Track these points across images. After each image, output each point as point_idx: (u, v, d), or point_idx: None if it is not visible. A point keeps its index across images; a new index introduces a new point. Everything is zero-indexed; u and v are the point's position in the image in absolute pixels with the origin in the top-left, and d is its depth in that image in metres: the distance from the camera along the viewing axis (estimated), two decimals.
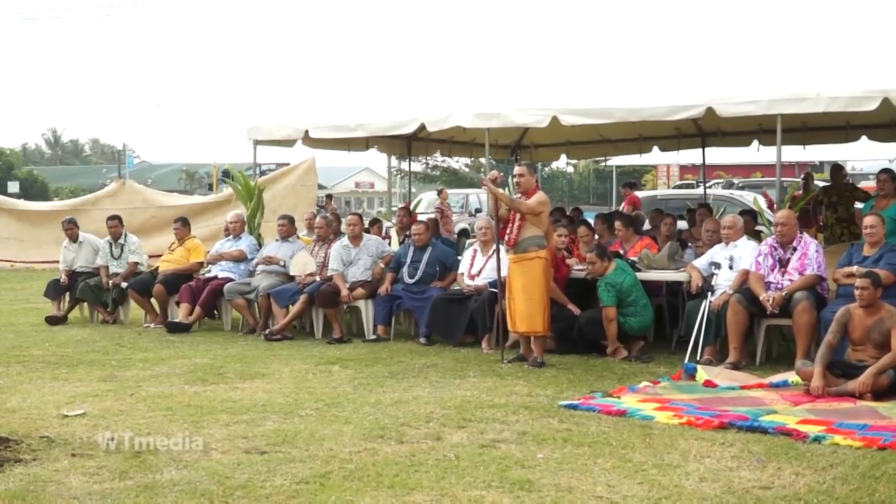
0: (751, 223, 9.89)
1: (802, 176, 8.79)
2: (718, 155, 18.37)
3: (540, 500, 4.43)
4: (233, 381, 7.34)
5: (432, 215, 14.74)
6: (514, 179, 8.04)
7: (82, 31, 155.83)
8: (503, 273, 8.17)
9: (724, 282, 8.13)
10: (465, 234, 21.47)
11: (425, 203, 23.65)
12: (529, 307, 7.90)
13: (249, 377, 7.53)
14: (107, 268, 11.32)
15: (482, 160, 12.87)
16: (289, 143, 11.55)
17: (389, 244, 11.42)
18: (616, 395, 6.64)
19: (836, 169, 12.25)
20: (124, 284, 11.02)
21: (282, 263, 10.32)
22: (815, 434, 5.42)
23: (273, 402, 6.55)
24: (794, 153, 15.48)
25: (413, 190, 22.92)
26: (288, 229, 10.66)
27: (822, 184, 15.70)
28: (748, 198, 16.70)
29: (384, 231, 13.40)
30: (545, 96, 9.75)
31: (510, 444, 5.35)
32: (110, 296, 11.09)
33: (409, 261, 9.67)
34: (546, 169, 47.66)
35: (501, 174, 8.71)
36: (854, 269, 7.38)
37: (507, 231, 7.97)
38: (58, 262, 12.37)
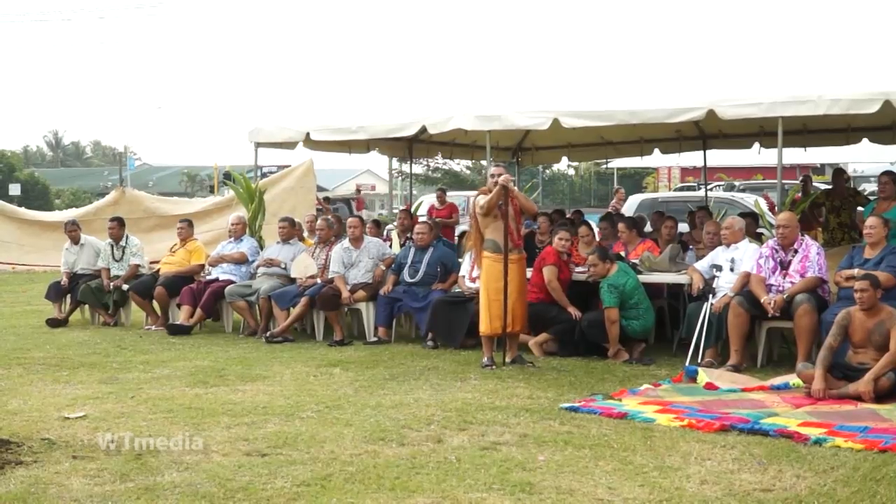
0: (752, 225, 9.89)
1: (801, 178, 8.74)
2: (719, 157, 18.36)
3: (541, 502, 4.43)
4: (234, 384, 7.35)
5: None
6: (493, 179, 8.01)
7: (83, 33, 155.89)
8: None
9: (726, 284, 8.14)
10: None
11: (425, 206, 23.63)
12: (523, 306, 8.13)
13: (250, 379, 7.53)
14: (108, 270, 11.33)
15: (483, 162, 12.86)
16: (290, 145, 11.56)
17: (390, 246, 11.42)
18: (617, 398, 6.64)
19: (838, 173, 12.24)
20: (125, 286, 11.03)
21: (283, 266, 10.33)
22: (816, 436, 5.42)
23: (274, 404, 6.55)
24: (796, 155, 15.46)
25: (414, 192, 22.89)
26: (289, 231, 10.67)
27: (822, 186, 15.71)
28: (749, 200, 16.68)
29: (385, 233, 13.40)
30: (546, 99, 9.76)
31: (511, 447, 5.35)
32: (111, 298, 11.10)
33: (409, 262, 9.68)
34: (547, 171, 47.66)
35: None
36: (854, 271, 7.38)
37: (512, 231, 7.99)
38: (58, 266, 12.38)
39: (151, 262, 12.47)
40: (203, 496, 4.51)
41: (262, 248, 10.99)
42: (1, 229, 20.45)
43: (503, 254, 7.93)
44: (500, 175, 7.97)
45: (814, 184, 14.15)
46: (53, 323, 11.03)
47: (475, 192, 8.63)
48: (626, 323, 8.23)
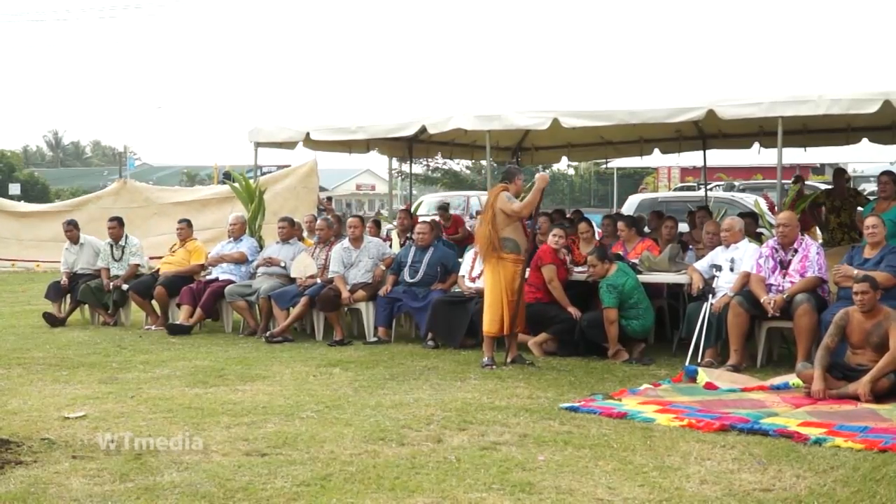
0: (752, 225, 9.89)
1: (793, 178, 8.69)
2: (719, 157, 18.36)
3: (540, 502, 4.43)
4: (233, 384, 7.34)
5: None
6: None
7: (83, 32, 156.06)
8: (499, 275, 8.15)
9: (725, 284, 8.14)
10: None
11: (426, 206, 23.65)
12: (524, 305, 8.22)
13: (250, 379, 7.53)
14: (108, 270, 11.33)
15: (483, 162, 12.85)
16: (290, 145, 11.56)
17: (390, 246, 11.41)
18: (617, 398, 6.64)
19: (839, 173, 12.23)
20: (125, 286, 11.03)
21: (282, 265, 10.33)
22: (815, 436, 5.42)
23: (274, 404, 6.55)
24: (795, 155, 15.46)
25: (414, 192, 22.89)
26: (288, 231, 10.66)
27: (821, 186, 15.69)
28: (749, 200, 16.68)
29: (385, 233, 13.40)
30: (546, 98, 9.76)
31: (511, 447, 5.35)
32: (111, 298, 11.09)
33: (409, 261, 9.68)
34: (547, 171, 47.62)
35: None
36: (853, 271, 7.36)
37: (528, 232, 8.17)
38: (58, 261, 12.39)
39: (152, 258, 12.43)
40: (203, 496, 4.51)
41: (262, 247, 10.98)
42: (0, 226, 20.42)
43: (522, 255, 7.97)
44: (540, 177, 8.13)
45: (807, 183, 14.11)
46: (50, 318, 11.03)
47: (480, 192, 8.64)
48: (625, 323, 8.23)
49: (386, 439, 5.53)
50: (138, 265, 11.43)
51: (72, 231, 11.82)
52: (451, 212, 24.08)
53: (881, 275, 7.12)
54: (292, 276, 10.17)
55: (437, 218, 13.37)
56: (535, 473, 4.83)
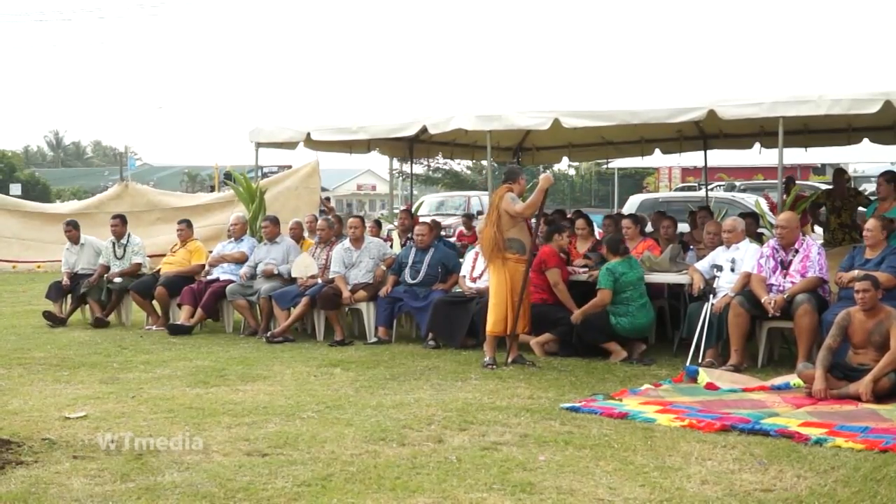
0: (752, 226, 9.89)
1: (783, 180, 8.66)
2: (720, 157, 18.36)
3: (541, 502, 4.43)
4: (234, 384, 7.35)
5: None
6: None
7: (84, 32, 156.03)
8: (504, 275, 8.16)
9: (726, 284, 8.13)
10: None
11: (427, 206, 23.65)
12: (528, 305, 8.21)
13: (251, 379, 7.53)
14: (105, 267, 11.33)
15: (484, 163, 12.85)
16: (291, 145, 11.55)
17: (391, 246, 11.41)
18: (618, 398, 6.64)
19: (839, 173, 12.23)
20: (118, 280, 11.00)
21: (276, 272, 10.27)
22: (816, 437, 5.42)
23: (274, 404, 6.56)
24: (796, 155, 15.46)
25: (415, 192, 22.88)
26: (271, 230, 10.61)
27: (822, 186, 15.66)
28: (750, 200, 16.67)
29: (385, 233, 13.40)
30: (547, 98, 9.74)
31: (512, 447, 5.35)
32: (104, 289, 11.03)
33: (410, 262, 9.68)
34: (548, 172, 47.57)
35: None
36: (855, 273, 7.38)
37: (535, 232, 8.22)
38: (59, 261, 12.39)
39: (155, 256, 12.43)
40: (203, 496, 4.51)
41: None
42: (1, 225, 20.38)
43: (527, 255, 7.98)
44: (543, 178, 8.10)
45: (807, 183, 14.10)
46: (50, 316, 11.02)
47: (481, 192, 8.64)
48: (615, 321, 8.23)
49: (387, 439, 5.53)
50: (140, 264, 11.43)
51: (72, 231, 11.82)
52: (451, 212, 24.05)
53: (882, 275, 7.13)
54: (293, 276, 10.17)
55: (437, 218, 13.39)
56: (535, 473, 4.83)
